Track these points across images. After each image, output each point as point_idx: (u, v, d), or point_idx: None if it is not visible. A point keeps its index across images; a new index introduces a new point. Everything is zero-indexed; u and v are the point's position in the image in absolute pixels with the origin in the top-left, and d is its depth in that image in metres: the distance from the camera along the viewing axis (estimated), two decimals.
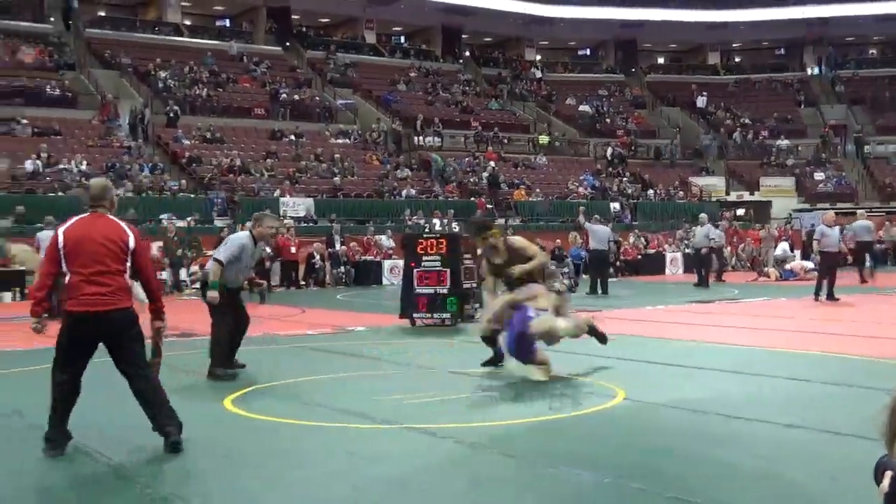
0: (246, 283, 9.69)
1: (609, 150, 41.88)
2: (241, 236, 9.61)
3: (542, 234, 29.13)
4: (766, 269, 26.71)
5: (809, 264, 25.11)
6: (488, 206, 32.93)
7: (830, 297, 17.58)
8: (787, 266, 26.13)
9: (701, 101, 48.73)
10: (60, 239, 6.00)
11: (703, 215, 24.76)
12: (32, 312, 6.13)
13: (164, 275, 23.30)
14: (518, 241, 9.55)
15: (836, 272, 18.02)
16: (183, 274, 22.34)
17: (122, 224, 6.14)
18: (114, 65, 36.96)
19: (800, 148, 45.59)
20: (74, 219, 6.19)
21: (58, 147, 29.38)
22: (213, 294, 9.08)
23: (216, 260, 9.26)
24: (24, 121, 30.24)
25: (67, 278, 5.96)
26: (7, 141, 29.21)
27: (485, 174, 35.66)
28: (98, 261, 5.88)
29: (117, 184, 27.36)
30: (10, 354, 11.04)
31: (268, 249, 9.32)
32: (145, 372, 6.05)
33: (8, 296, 20.37)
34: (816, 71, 52.68)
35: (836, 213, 19.99)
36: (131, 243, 6.01)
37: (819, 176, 42.89)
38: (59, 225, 6.29)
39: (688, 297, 19.37)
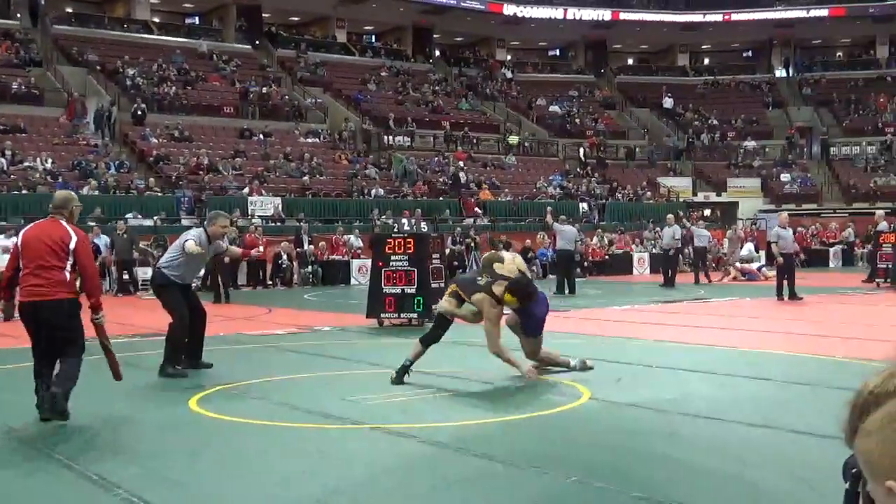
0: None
1: (582, 151, 42.00)
2: (199, 232, 9.55)
3: (509, 234, 29.27)
4: (729, 268, 26.90)
5: (755, 265, 25.54)
6: (478, 209, 32.84)
7: (793, 296, 17.75)
8: (738, 265, 26.34)
9: (668, 103, 49.06)
10: (19, 239, 7.06)
11: (669, 216, 24.88)
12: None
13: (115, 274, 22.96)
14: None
15: (795, 271, 18.28)
16: (146, 273, 22.05)
17: (69, 228, 7.00)
18: (81, 62, 36.57)
19: (766, 149, 46.04)
20: (34, 223, 7.27)
21: (23, 144, 29.07)
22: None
23: (195, 248, 9.16)
24: None
25: (21, 273, 6.92)
26: None
27: (450, 174, 35.65)
28: (40, 257, 6.79)
29: (83, 182, 27.16)
30: None
31: (225, 246, 8.99)
32: (72, 357, 6.81)
33: None
34: (783, 73, 53.19)
35: (800, 215, 20.25)
36: (72, 244, 6.86)
37: (785, 177, 43.34)
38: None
39: (654, 297, 19.47)
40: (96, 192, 26.79)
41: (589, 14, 49.89)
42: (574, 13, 49.51)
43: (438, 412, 7.08)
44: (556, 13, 49.30)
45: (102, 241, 22.48)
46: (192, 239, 9.22)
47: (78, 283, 6.98)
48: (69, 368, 6.74)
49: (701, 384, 8.37)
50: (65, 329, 6.78)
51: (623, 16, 50.41)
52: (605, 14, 50.11)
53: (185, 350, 9.21)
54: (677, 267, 24.19)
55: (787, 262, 18.01)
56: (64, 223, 7.02)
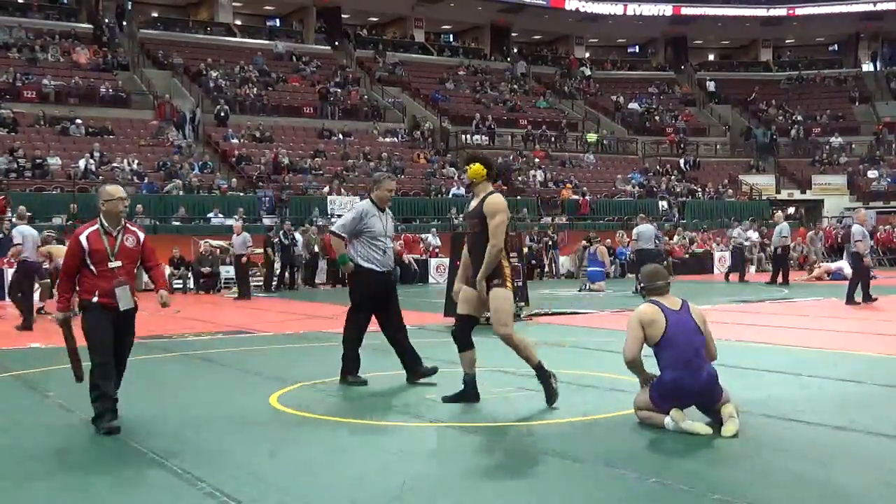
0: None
1: (682, 161, 41.35)
2: (362, 203, 8.83)
3: (587, 232, 29.04)
4: (813, 268, 26.24)
5: (840, 264, 24.79)
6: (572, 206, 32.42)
7: (851, 300, 16.66)
8: (823, 264, 25.49)
9: (711, 86, 48.32)
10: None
11: (778, 213, 24.44)
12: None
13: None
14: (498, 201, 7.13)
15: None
16: (229, 272, 22.49)
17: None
18: (166, 65, 37.47)
19: (853, 146, 44.89)
20: None
21: (111, 146, 29.85)
22: (346, 266, 8.40)
23: (332, 233, 8.71)
24: (79, 120, 30.76)
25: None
26: (62, 140, 29.76)
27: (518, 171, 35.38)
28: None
29: (167, 182, 27.81)
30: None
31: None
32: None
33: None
34: (871, 67, 51.79)
35: (888, 213, 19.43)
36: None
37: (872, 174, 42.18)
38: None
39: (736, 297, 19.13)
40: (180, 192, 27.39)
41: (650, 10, 49.21)
42: (634, 9, 48.91)
43: (515, 410, 7.06)
44: (615, 9, 48.79)
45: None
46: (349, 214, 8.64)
47: None
48: None
49: (783, 385, 8.20)
50: None
51: (685, 10, 49.62)
52: (667, 9, 49.33)
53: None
54: (787, 265, 23.48)
55: (862, 263, 16.99)
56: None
